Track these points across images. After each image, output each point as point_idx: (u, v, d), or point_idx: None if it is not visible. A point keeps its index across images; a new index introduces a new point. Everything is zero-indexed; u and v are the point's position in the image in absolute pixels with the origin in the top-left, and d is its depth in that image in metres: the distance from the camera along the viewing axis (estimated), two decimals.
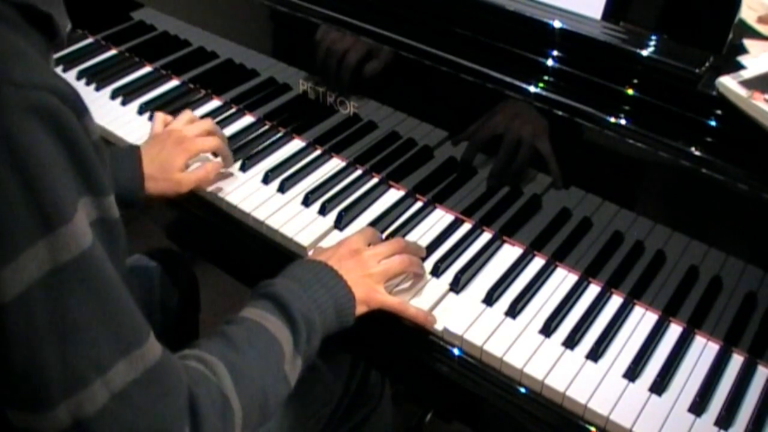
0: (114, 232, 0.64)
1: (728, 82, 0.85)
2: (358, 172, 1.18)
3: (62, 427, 0.60)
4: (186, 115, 1.15)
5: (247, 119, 1.30)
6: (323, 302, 0.86)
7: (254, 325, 0.80)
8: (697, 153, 0.85)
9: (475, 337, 0.93)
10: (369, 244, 0.97)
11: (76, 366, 0.59)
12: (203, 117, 1.28)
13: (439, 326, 0.95)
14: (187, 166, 1.08)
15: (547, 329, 0.94)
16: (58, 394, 0.59)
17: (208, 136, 1.12)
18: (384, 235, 1.06)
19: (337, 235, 1.07)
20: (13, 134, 0.55)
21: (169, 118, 1.17)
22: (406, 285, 0.99)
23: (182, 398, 0.66)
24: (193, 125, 1.12)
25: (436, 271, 1.01)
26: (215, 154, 1.15)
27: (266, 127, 1.27)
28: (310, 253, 1.04)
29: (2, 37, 0.59)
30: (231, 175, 1.16)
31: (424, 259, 1.03)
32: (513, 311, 0.96)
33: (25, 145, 0.55)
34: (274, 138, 1.25)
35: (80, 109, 0.60)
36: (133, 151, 1.04)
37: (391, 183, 1.16)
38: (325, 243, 1.05)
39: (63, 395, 0.59)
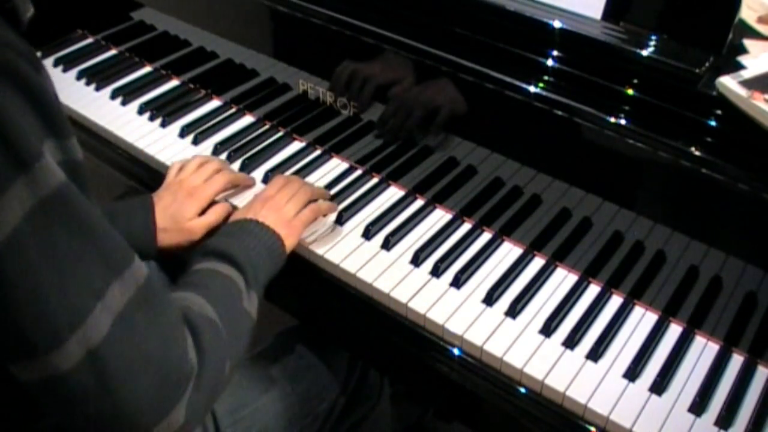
0: (79, 172, 0.66)
1: (728, 82, 0.85)
2: (358, 172, 1.18)
3: (76, 361, 0.62)
4: (195, 160, 1.11)
5: (247, 119, 1.30)
6: (254, 246, 0.92)
7: (207, 272, 0.85)
8: (697, 153, 0.85)
9: (475, 337, 0.93)
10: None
11: (76, 295, 0.62)
12: (203, 117, 1.29)
13: (439, 326, 0.95)
14: (199, 215, 1.06)
15: (547, 329, 0.94)
16: (65, 327, 0.61)
17: (216, 175, 1.10)
18: (384, 234, 1.06)
19: (337, 231, 1.07)
20: None
21: (183, 163, 1.13)
22: (324, 229, 1.07)
23: (176, 311, 0.70)
24: (200, 171, 1.09)
25: (436, 271, 1.01)
26: None
27: (266, 128, 1.27)
28: (310, 247, 1.04)
29: None
30: None
31: (424, 259, 1.03)
32: (513, 311, 0.96)
33: None
34: (274, 138, 1.25)
35: (36, 65, 0.62)
36: (146, 202, 1.04)
37: (391, 183, 1.16)
38: (324, 243, 1.05)
39: (70, 328, 0.61)
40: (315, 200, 1.06)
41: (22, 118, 0.59)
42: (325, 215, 1.07)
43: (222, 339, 0.75)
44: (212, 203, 1.07)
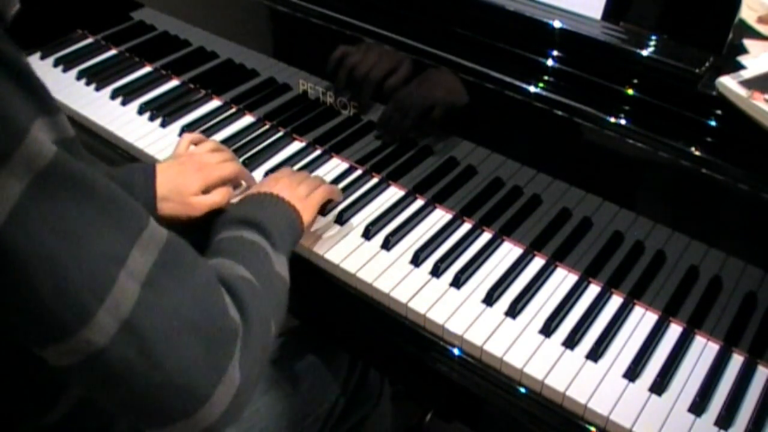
0: (73, 149, 0.63)
1: (728, 82, 0.85)
2: (358, 172, 1.18)
3: (111, 334, 0.59)
4: (211, 143, 1.12)
5: (247, 119, 1.30)
6: (275, 214, 0.92)
7: (233, 239, 0.83)
8: (697, 153, 0.85)
9: (475, 337, 0.93)
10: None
11: (96, 265, 0.59)
12: (203, 117, 1.29)
13: (439, 326, 0.95)
14: (203, 193, 1.05)
15: (547, 329, 0.94)
16: (92, 300, 0.58)
17: (229, 161, 1.09)
18: (384, 234, 1.06)
19: (337, 231, 1.07)
20: None
21: (197, 137, 1.14)
22: (333, 236, 1.06)
23: (208, 270, 0.67)
24: (215, 154, 1.09)
25: (436, 271, 1.01)
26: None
27: (266, 128, 1.27)
28: (310, 247, 1.04)
29: None
30: None
31: (424, 259, 1.03)
32: (513, 311, 0.96)
33: None
34: (274, 138, 1.25)
35: (17, 47, 0.60)
36: (148, 170, 1.02)
37: (391, 183, 1.16)
38: (324, 243, 1.05)
39: (96, 300, 0.58)
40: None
41: (8, 97, 0.57)
42: (331, 202, 1.08)
43: (261, 296, 0.73)
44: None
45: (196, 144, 1.12)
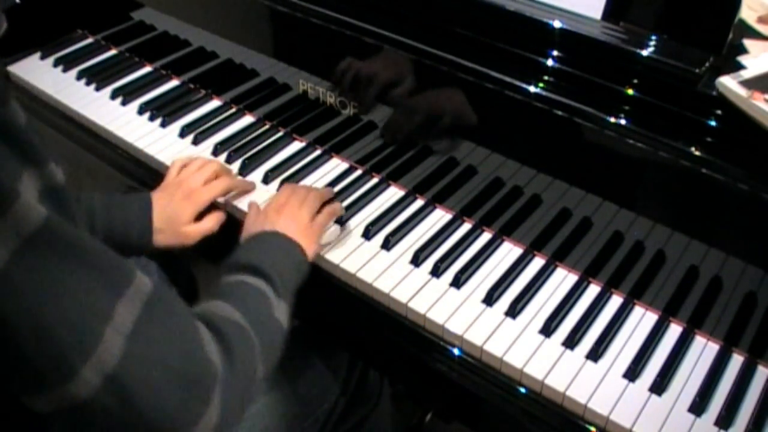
0: (63, 197, 0.64)
1: (728, 82, 0.85)
2: (358, 172, 1.18)
3: (95, 388, 0.60)
4: (197, 161, 1.11)
5: (247, 119, 1.30)
6: (278, 256, 0.92)
7: (234, 284, 0.85)
8: (697, 153, 0.85)
9: (475, 337, 0.93)
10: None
11: (82, 323, 0.60)
12: (203, 117, 1.29)
13: (439, 326, 0.95)
14: (196, 217, 1.06)
15: (547, 329, 0.94)
16: (77, 357, 0.60)
17: (216, 179, 1.10)
18: (384, 234, 1.06)
19: (336, 230, 1.07)
20: None
21: (186, 161, 1.13)
22: (333, 238, 1.06)
23: (188, 315, 0.68)
24: (200, 173, 1.09)
25: (436, 271, 1.01)
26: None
27: (266, 127, 1.27)
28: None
29: None
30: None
31: (424, 259, 1.03)
32: (513, 311, 0.96)
33: None
34: (274, 138, 1.25)
35: (2, 98, 0.60)
36: (144, 201, 1.03)
37: (391, 183, 1.16)
38: (324, 242, 1.05)
39: (82, 357, 0.60)
40: (327, 202, 1.07)
41: None
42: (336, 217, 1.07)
43: (250, 342, 0.75)
44: (210, 208, 1.07)
45: (186, 166, 1.12)
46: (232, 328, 0.73)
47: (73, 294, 0.60)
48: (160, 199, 1.05)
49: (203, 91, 1.35)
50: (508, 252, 1.06)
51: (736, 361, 0.92)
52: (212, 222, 1.07)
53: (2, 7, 0.67)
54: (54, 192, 0.62)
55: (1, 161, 0.58)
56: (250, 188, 1.14)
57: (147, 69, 1.42)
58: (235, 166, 1.19)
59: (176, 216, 1.04)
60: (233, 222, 1.11)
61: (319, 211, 1.03)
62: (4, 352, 0.59)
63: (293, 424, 1.04)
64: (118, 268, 0.64)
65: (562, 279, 1.02)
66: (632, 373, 0.90)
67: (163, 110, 1.30)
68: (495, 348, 0.92)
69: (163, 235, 1.03)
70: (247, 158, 1.20)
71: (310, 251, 0.97)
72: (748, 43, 0.94)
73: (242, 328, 0.75)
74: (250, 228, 1.01)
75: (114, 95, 1.35)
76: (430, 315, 0.96)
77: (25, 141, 0.61)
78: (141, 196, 1.05)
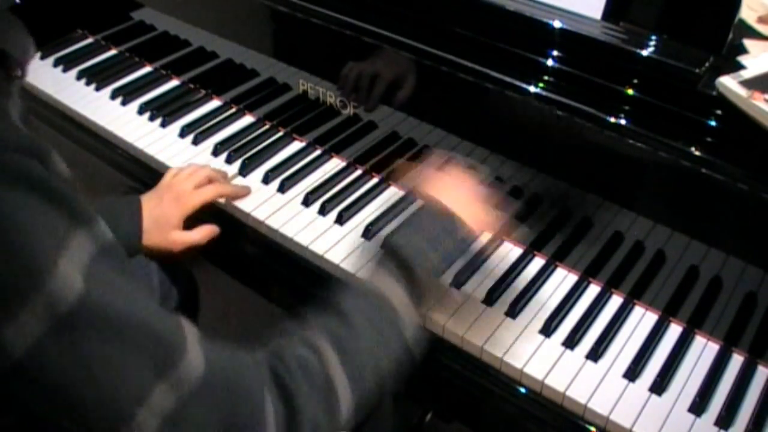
0: (115, 254, 0.62)
1: (728, 82, 0.85)
2: (358, 172, 1.18)
3: None
4: (189, 168, 1.11)
5: (247, 119, 1.30)
6: (440, 236, 0.85)
7: (372, 296, 0.78)
8: (697, 153, 0.85)
9: (475, 337, 0.93)
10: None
11: (114, 403, 0.58)
12: (203, 117, 1.29)
13: (439, 326, 0.95)
14: (188, 226, 1.06)
15: (547, 329, 0.94)
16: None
17: (208, 184, 1.10)
18: (384, 234, 1.06)
19: (337, 231, 1.07)
20: None
21: (179, 168, 1.13)
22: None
23: (255, 396, 0.64)
24: (191, 177, 1.09)
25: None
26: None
27: (266, 127, 1.27)
28: (310, 247, 1.04)
29: None
30: (231, 175, 1.16)
31: None
32: (513, 311, 0.96)
33: None
34: (274, 138, 1.25)
35: (42, 154, 0.59)
36: (134, 204, 1.03)
37: (391, 183, 1.16)
38: (324, 242, 1.05)
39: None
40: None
41: (38, 224, 0.55)
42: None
43: (334, 409, 0.69)
44: (204, 220, 1.07)
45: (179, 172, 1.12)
46: (315, 397, 0.67)
47: (108, 375, 0.58)
48: (149, 201, 1.05)
49: (203, 91, 1.35)
50: (508, 252, 1.06)
51: (736, 361, 0.92)
52: (200, 234, 1.06)
53: (4, 6, 0.67)
54: (107, 248, 0.60)
55: (49, 224, 0.56)
56: (243, 194, 1.13)
57: (147, 69, 1.42)
58: (235, 166, 1.19)
59: (164, 218, 1.04)
60: (233, 222, 1.11)
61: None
62: (37, 415, 0.58)
63: None
64: (164, 345, 0.60)
65: (562, 279, 1.02)
66: (632, 373, 0.90)
67: (163, 110, 1.30)
68: (495, 348, 0.92)
69: (150, 236, 1.03)
70: (247, 158, 1.20)
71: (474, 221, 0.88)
72: (748, 43, 0.94)
73: (330, 393, 0.69)
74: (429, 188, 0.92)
75: (114, 95, 1.35)
76: (430, 315, 0.96)
77: (72, 200, 0.59)
78: (130, 199, 1.05)
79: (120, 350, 0.58)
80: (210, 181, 1.10)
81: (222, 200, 1.11)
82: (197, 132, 1.26)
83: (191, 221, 1.06)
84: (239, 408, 0.63)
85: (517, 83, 0.96)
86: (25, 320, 0.55)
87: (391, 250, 0.84)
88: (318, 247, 1.04)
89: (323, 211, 1.10)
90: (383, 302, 0.78)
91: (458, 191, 0.92)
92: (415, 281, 0.82)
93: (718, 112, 0.87)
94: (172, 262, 1.09)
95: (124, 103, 1.33)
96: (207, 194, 1.08)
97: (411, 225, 0.88)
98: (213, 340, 0.65)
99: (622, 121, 0.90)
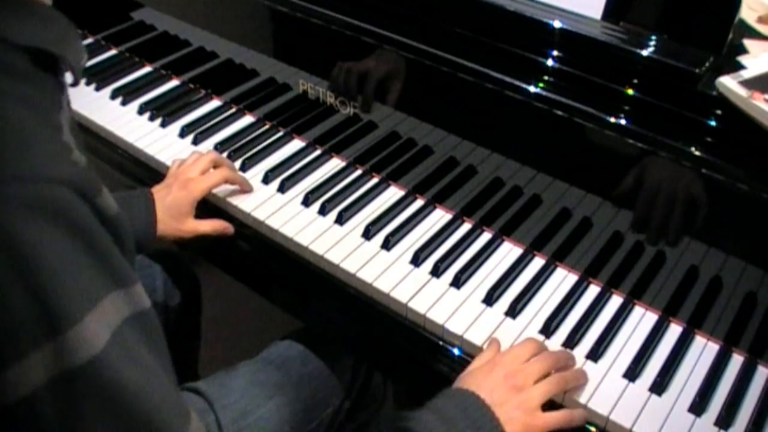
0: (148, 322, 0.60)
1: (728, 82, 0.85)
2: (358, 172, 1.18)
3: None
4: (191, 157, 1.13)
5: (247, 119, 1.30)
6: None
7: None
8: (697, 153, 0.85)
9: (475, 337, 0.93)
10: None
11: None
12: (203, 117, 1.29)
13: (439, 326, 0.95)
14: (195, 207, 1.08)
15: (547, 329, 0.94)
16: None
17: (213, 170, 1.11)
18: (384, 234, 1.06)
19: (337, 231, 1.07)
20: (14, 235, 0.51)
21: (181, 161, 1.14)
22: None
23: None
24: (196, 164, 1.10)
25: (436, 271, 1.01)
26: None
27: (266, 127, 1.27)
28: (310, 248, 1.04)
29: (5, 115, 0.54)
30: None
31: (424, 259, 1.03)
32: (513, 311, 0.96)
33: (28, 245, 0.51)
34: (274, 138, 1.25)
35: (92, 192, 0.56)
36: (146, 195, 1.04)
37: (391, 183, 1.16)
38: (324, 242, 1.05)
39: None
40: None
41: (72, 273, 0.53)
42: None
43: None
44: (215, 214, 1.08)
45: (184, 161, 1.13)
46: None
47: None
48: (159, 191, 1.07)
49: (203, 91, 1.35)
50: (508, 252, 1.06)
51: (736, 361, 0.92)
52: (210, 226, 1.08)
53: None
54: (141, 317, 0.58)
55: (80, 281, 0.54)
56: (247, 188, 1.14)
57: (147, 69, 1.42)
58: (235, 166, 1.19)
59: (175, 206, 1.06)
60: (233, 222, 1.11)
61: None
62: None
63: (297, 428, 1.03)
64: (166, 427, 0.58)
65: (562, 279, 1.02)
66: (632, 373, 0.90)
67: (163, 110, 1.30)
68: None
69: (163, 225, 1.04)
70: (247, 158, 1.20)
71: None
72: (748, 43, 0.94)
73: None
74: (473, 371, 0.85)
75: (114, 95, 1.35)
76: (430, 315, 0.96)
77: (114, 260, 0.56)
78: (142, 191, 1.06)
79: (112, 427, 0.55)
80: (215, 165, 1.11)
81: (222, 199, 1.11)
82: (197, 132, 1.26)
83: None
84: None
85: (517, 83, 0.96)
86: (31, 365, 0.53)
87: (399, 423, 0.77)
88: (318, 247, 1.04)
89: (323, 211, 1.10)
90: None
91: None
92: None
93: (718, 112, 0.87)
94: (181, 248, 1.09)
95: (124, 103, 1.33)
96: (213, 178, 1.10)
97: (429, 403, 0.79)
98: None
99: (622, 121, 0.90)
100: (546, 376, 0.84)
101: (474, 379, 0.82)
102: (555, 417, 0.82)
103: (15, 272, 0.51)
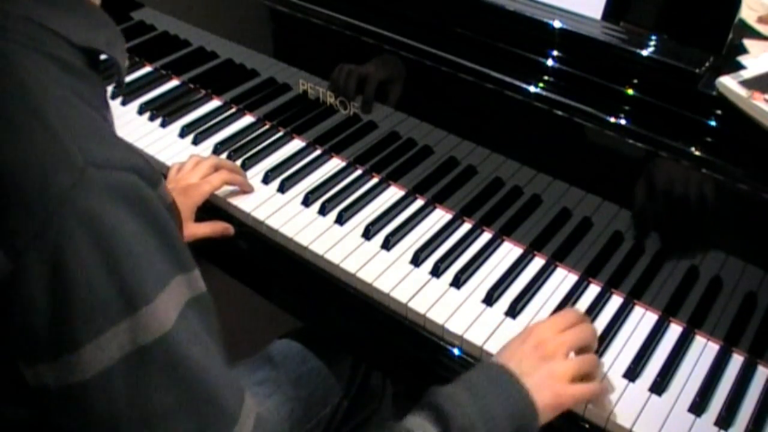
0: (207, 305, 0.63)
1: (728, 82, 0.85)
2: (358, 172, 1.18)
3: None
4: (191, 161, 1.12)
5: (247, 119, 1.30)
6: (497, 414, 0.74)
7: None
8: (697, 153, 0.85)
9: (475, 337, 0.93)
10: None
11: None
12: (203, 117, 1.29)
13: (439, 326, 0.95)
14: (195, 211, 1.07)
15: None
16: None
17: (213, 174, 1.10)
18: (384, 234, 1.06)
19: (337, 231, 1.07)
20: (98, 216, 0.54)
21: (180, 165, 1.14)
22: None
23: None
24: (197, 168, 1.10)
25: (436, 271, 1.01)
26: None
27: (266, 127, 1.27)
28: (310, 247, 1.04)
29: (79, 109, 0.58)
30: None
31: (424, 259, 1.03)
32: (513, 311, 0.96)
33: (109, 226, 0.55)
34: (274, 138, 1.25)
35: (155, 179, 0.60)
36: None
37: (391, 183, 1.16)
38: (324, 242, 1.05)
39: None
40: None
41: (146, 254, 0.57)
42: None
43: None
44: (215, 216, 1.08)
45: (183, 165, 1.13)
46: None
47: (160, 422, 0.58)
48: None
49: (203, 91, 1.35)
50: (508, 252, 1.06)
51: (736, 361, 0.92)
52: (210, 228, 1.08)
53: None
54: (199, 300, 0.61)
55: (153, 260, 0.57)
56: (248, 189, 1.14)
57: (147, 69, 1.42)
58: (237, 166, 1.18)
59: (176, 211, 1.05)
60: (233, 222, 1.11)
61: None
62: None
63: (296, 427, 1.03)
64: (218, 411, 0.60)
65: (562, 279, 1.02)
66: (632, 373, 0.90)
67: (163, 110, 1.30)
68: (495, 348, 0.92)
69: None
70: (247, 158, 1.20)
71: (543, 416, 0.77)
72: (748, 43, 0.94)
73: None
74: (506, 345, 0.84)
75: (114, 95, 1.35)
76: (430, 315, 0.96)
77: (178, 245, 0.60)
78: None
79: (180, 402, 0.58)
80: (215, 169, 1.11)
81: (222, 199, 1.11)
82: (197, 132, 1.26)
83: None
84: None
85: (517, 83, 0.96)
86: (108, 341, 0.55)
87: (428, 397, 0.76)
88: (318, 247, 1.04)
89: (323, 211, 1.10)
90: None
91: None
92: (448, 427, 0.72)
93: (718, 112, 0.87)
94: None
95: (124, 103, 1.33)
96: (214, 182, 1.09)
97: (459, 377, 0.79)
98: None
99: (622, 121, 0.90)
100: (584, 351, 0.83)
101: (507, 350, 0.82)
102: (584, 389, 0.81)
103: (99, 252, 0.54)
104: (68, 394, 0.57)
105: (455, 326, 0.94)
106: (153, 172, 0.60)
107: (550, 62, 0.97)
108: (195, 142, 1.24)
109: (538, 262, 1.04)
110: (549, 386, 0.78)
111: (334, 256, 1.03)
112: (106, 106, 0.65)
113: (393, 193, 1.15)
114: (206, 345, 0.61)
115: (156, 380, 0.57)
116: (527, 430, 0.76)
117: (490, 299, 0.98)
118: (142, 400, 0.57)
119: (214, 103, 1.34)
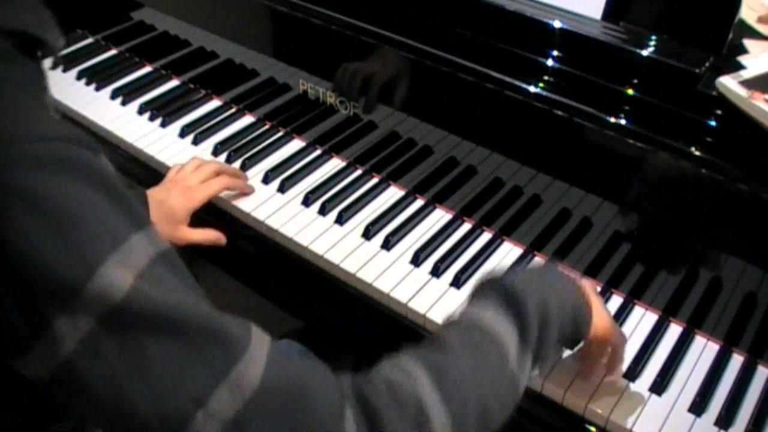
0: (174, 259, 0.60)
1: (728, 82, 0.85)
2: (358, 172, 1.18)
3: None
4: (193, 163, 1.12)
5: (247, 119, 1.30)
6: (562, 291, 0.77)
7: (472, 323, 0.71)
8: (697, 153, 0.85)
9: None
10: None
11: (170, 404, 0.55)
12: (203, 117, 1.29)
13: (439, 326, 0.95)
14: (192, 217, 1.07)
15: None
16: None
17: (213, 178, 1.10)
18: (384, 234, 1.06)
19: (337, 231, 1.07)
20: (30, 188, 0.53)
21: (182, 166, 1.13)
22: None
23: (330, 411, 0.59)
24: (198, 172, 1.10)
25: (437, 271, 1.01)
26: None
27: (266, 127, 1.27)
28: (310, 247, 1.04)
29: (1, 90, 0.57)
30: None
31: (424, 259, 1.03)
32: None
33: (46, 196, 0.53)
34: (274, 138, 1.25)
35: (94, 146, 0.58)
36: (140, 196, 1.03)
37: (391, 183, 1.16)
38: (324, 242, 1.05)
39: None
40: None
41: (98, 220, 0.55)
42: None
43: (424, 428, 0.61)
44: (211, 224, 1.08)
45: (184, 166, 1.12)
46: (401, 412, 0.61)
47: (160, 370, 0.55)
48: (156, 194, 1.06)
49: (203, 91, 1.35)
50: (508, 252, 1.06)
51: (736, 361, 0.92)
52: (202, 235, 1.07)
53: None
54: (165, 256, 0.59)
55: (104, 224, 0.55)
56: (249, 191, 1.14)
57: (147, 69, 1.42)
58: (235, 166, 1.19)
59: (171, 213, 1.04)
60: (233, 222, 1.11)
61: None
62: (89, 418, 0.57)
63: None
64: (221, 342, 0.57)
65: None
66: (632, 373, 0.90)
67: (163, 110, 1.30)
68: None
69: (156, 228, 1.03)
70: (247, 158, 1.20)
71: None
72: (748, 43, 0.94)
73: (420, 412, 0.61)
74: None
75: (114, 95, 1.35)
76: (430, 315, 0.96)
77: (130, 202, 0.58)
78: (137, 191, 1.05)
79: (175, 347, 0.56)
80: (216, 174, 1.11)
81: (222, 198, 1.11)
82: (197, 132, 1.26)
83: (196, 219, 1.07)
84: (309, 421, 0.58)
85: (517, 83, 0.96)
86: (74, 309, 0.54)
87: (493, 281, 0.76)
88: (318, 247, 1.04)
89: (323, 211, 1.10)
90: (480, 326, 0.70)
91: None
92: (520, 304, 0.72)
93: (718, 112, 0.87)
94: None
95: (124, 103, 1.33)
96: (213, 187, 1.09)
97: (545, 280, 0.78)
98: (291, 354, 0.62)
99: (622, 121, 0.90)
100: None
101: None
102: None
103: (41, 224, 0.53)
104: (61, 378, 0.55)
105: None
106: (91, 141, 0.58)
107: (550, 62, 0.97)
108: (195, 142, 1.24)
109: (538, 263, 1.04)
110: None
111: (334, 256, 1.03)
112: (42, 89, 0.64)
113: (393, 193, 1.15)
114: (182, 291, 0.58)
115: (143, 336, 0.55)
116: (582, 317, 0.79)
117: None
118: (137, 359, 0.55)
119: (214, 103, 1.34)
